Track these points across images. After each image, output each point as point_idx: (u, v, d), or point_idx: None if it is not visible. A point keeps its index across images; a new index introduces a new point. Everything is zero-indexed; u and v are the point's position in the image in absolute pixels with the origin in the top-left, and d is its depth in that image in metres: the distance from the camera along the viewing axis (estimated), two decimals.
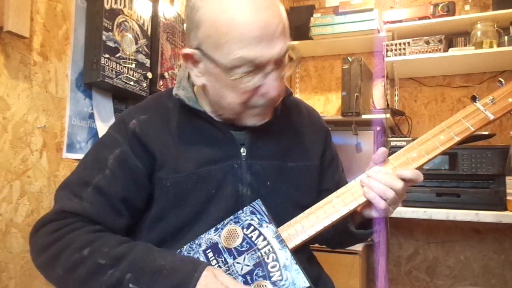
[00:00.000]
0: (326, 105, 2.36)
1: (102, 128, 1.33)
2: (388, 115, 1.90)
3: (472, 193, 1.51)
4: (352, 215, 0.77)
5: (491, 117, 0.72)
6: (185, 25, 0.76)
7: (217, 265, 0.66)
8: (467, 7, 2.04)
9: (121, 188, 0.72)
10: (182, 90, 0.79)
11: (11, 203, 1.05)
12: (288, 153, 0.82)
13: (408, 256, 2.07)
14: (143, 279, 0.61)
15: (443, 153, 0.72)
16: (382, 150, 0.72)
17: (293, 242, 0.68)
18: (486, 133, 1.64)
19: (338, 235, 0.84)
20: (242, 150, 0.77)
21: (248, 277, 0.64)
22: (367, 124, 1.89)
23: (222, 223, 0.69)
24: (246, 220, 0.69)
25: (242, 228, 0.68)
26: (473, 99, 0.75)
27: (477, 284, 1.93)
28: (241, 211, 0.70)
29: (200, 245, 0.69)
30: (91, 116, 1.31)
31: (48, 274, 0.68)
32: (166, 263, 0.63)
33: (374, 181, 0.70)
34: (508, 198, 1.43)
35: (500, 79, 0.77)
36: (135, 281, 0.61)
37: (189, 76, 0.83)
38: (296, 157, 0.83)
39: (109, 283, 0.62)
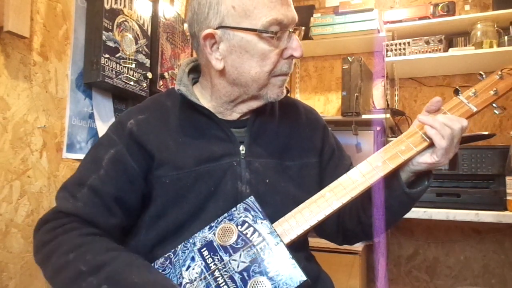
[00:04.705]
0: (326, 105, 2.36)
1: (102, 128, 1.33)
2: (388, 115, 1.90)
3: (472, 193, 1.51)
4: (389, 184, 0.76)
5: (474, 109, 0.74)
6: (193, 13, 0.77)
7: (213, 263, 0.66)
8: (467, 7, 2.04)
9: (115, 187, 0.73)
10: (183, 87, 0.80)
11: (11, 203, 1.05)
12: (286, 152, 0.83)
13: (408, 256, 2.07)
14: None
15: (430, 145, 0.72)
16: (437, 99, 0.74)
17: (288, 237, 0.69)
18: (486, 133, 1.64)
19: (389, 210, 0.80)
20: (241, 148, 0.78)
21: (245, 274, 0.64)
22: (367, 124, 1.88)
23: (216, 221, 0.69)
24: (240, 217, 0.69)
25: (237, 225, 0.68)
26: (456, 92, 0.76)
27: (477, 284, 1.93)
28: (234, 209, 0.70)
29: (195, 244, 0.69)
30: (91, 116, 1.31)
31: (43, 271, 0.71)
32: (139, 281, 0.64)
33: (432, 118, 0.71)
34: (508, 198, 1.43)
35: (481, 72, 0.78)
36: None
37: (189, 74, 0.84)
38: (294, 155, 0.83)
39: None
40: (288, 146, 0.83)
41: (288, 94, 0.87)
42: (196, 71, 0.86)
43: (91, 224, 0.71)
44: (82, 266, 0.65)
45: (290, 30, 0.74)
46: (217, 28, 0.73)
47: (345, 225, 0.87)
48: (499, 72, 0.77)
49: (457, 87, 0.77)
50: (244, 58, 0.73)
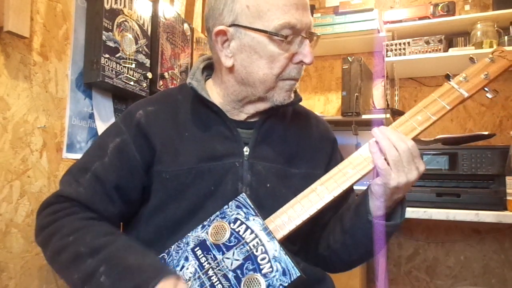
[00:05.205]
0: (326, 105, 2.36)
1: (102, 128, 1.33)
2: (388, 115, 1.90)
3: (472, 193, 1.51)
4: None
5: (466, 94, 0.72)
6: (210, 8, 0.77)
7: (206, 262, 0.66)
8: (467, 7, 2.04)
9: (116, 176, 0.75)
10: (195, 81, 0.80)
11: (11, 203, 1.05)
12: (292, 159, 0.82)
13: (408, 256, 2.07)
14: (113, 273, 0.64)
15: (421, 133, 0.71)
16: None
17: (281, 233, 0.68)
18: (486, 133, 1.64)
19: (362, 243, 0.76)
20: (245, 149, 0.78)
21: (239, 272, 0.64)
22: (367, 124, 1.89)
23: (208, 219, 0.69)
24: (232, 215, 0.68)
25: (229, 223, 0.68)
26: (447, 77, 0.75)
27: (477, 284, 1.93)
28: (226, 206, 0.69)
29: (188, 243, 0.69)
30: (91, 116, 1.31)
31: (44, 253, 0.73)
32: (136, 262, 0.65)
33: (381, 135, 0.68)
34: (508, 198, 1.43)
35: (472, 56, 0.76)
36: (107, 274, 0.63)
37: (203, 70, 0.85)
38: (300, 164, 0.82)
39: (86, 271, 0.64)
40: (295, 154, 0.83)
41: (301, 103, 0.87)
42: (211, 69, 0.87)
43: (90, 209, 0.73)
44: (81, 248, 0.66)
45: (303, 35, 0.74)
46: (230, 26, 0.73)
47: (318, 247, 0.86)
48: (490, 55, 0.75)
49: (448, 72, 0.75)
50: (253, 58, 0.73)
